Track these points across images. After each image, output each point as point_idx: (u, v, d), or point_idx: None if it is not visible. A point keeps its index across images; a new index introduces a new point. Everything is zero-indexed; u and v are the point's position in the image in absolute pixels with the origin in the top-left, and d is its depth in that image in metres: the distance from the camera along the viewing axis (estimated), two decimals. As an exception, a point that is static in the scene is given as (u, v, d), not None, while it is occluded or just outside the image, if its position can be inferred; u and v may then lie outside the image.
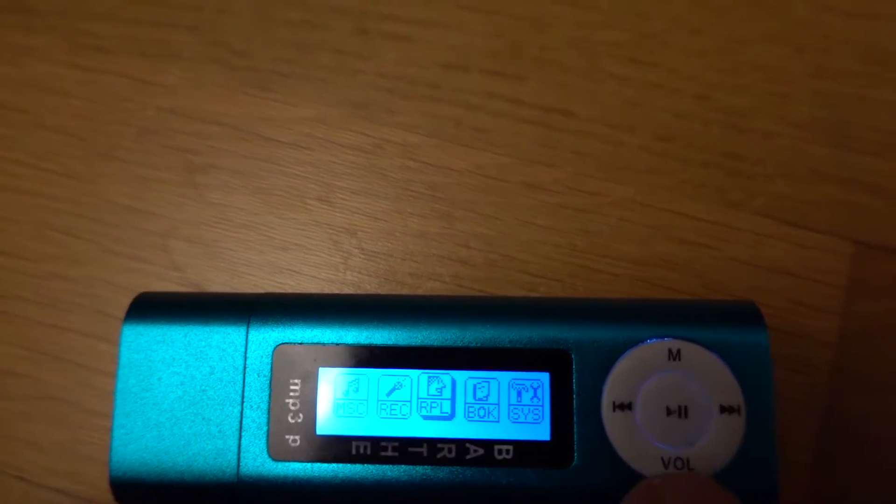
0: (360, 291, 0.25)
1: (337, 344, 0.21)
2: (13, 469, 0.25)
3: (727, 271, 0.24)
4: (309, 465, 0.20)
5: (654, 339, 0.20)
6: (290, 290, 0.25)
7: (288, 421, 0.21)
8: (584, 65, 0.26)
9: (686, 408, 0.20)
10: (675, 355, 0.20)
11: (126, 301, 0.22)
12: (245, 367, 0.21)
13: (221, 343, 0.21)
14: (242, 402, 0.21)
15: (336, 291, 0.25)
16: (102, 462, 0.24)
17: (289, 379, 0.21)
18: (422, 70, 0.26)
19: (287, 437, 0.20)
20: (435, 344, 0.21)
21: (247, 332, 0.21)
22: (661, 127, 0.25)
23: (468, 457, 0.20)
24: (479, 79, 0.26)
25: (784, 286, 0.24)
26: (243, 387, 0.21)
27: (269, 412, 0.21)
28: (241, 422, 0.21)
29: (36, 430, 0.25)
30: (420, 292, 0.25)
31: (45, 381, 0.25)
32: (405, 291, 0.25)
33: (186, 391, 0.21)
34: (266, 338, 0.21)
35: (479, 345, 0.21)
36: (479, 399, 0.20)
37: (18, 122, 0.27)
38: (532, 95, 0.26)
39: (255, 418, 0.21)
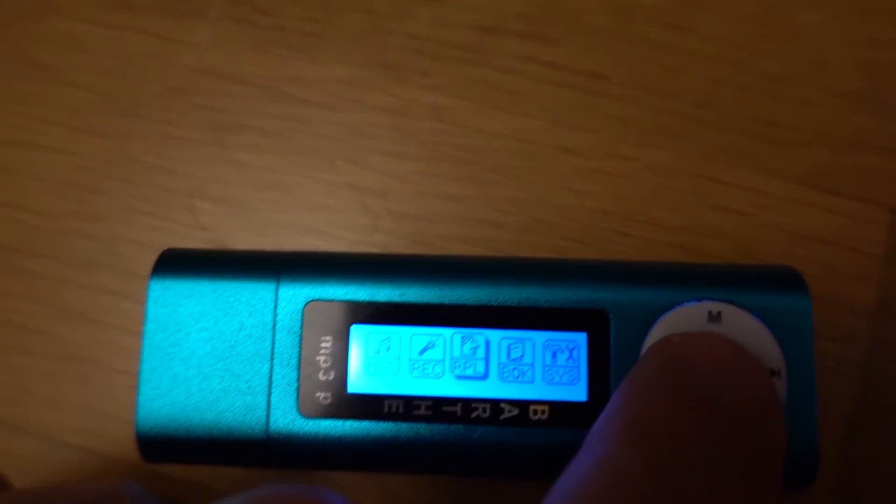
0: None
1: (369, 301, 0.21)
2: (35, 427, 0.25)
3: (763, 238, 0.24)
4: (340, 422, 0.20)
5: (695, 301, 0.20)
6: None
7: (319, 378, 0.20)
8: (620, 28, 0.26)
9: (726, 370, 0.19)
10: (715, 317, 0.20)
11: (151, 260, 0.21)
12: (275, 324, 0.21)
13: (251, 299, 0.21)
14: (272, 358, 0.20)
15: (365, 253, 0.25)
16: (126, 421, 0.24)
17: (320, 336, 0.20)
18: (454, 32, 0.26)
19: (318, 394, 0.20)
20: (469, 303, 0.20)
21: (277, 288, 0.21)
22: (698, 92, 0.25)
23: (503, 416, 0.20)
24: (513, 41, 0.26)
25: (820, 254, 0.24)
26: (273, 343, 0.20)
27: (299, 369, 0.20)
28: (270, 378, 0.20)
29: (59, 388, 0.25)
30: (450, 255, 0.25)
31: (68, 339, 0.25)
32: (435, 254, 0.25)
33: (215, 346, 0.21)
34: (297, 294, 0.21)
35: (514, 304, 0.20)
36: (514, 360, 0.20)
37: (42, 79, 0.27)
38: (566, 59, 0.26)
39: (286, 375, 0.20)
